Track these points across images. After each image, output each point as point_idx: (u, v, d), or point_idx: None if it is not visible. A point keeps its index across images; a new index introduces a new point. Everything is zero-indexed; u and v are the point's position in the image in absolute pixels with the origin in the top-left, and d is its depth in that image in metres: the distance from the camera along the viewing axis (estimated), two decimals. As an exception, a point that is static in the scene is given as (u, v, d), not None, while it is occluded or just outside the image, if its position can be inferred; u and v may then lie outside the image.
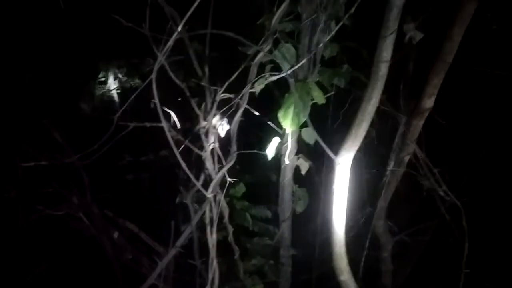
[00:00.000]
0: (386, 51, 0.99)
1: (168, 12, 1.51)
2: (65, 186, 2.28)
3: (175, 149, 1.28)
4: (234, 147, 1.50)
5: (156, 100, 1.26)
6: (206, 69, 1.88)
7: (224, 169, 1.47)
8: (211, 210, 1.47)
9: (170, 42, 1.17)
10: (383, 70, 1.01)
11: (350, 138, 1.13)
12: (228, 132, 1.75)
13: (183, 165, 1.38)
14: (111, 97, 3.84)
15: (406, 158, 1.79)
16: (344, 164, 1.15)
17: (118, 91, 3.80)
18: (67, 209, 2.17)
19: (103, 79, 3.81)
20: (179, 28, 1.10)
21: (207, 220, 1.45)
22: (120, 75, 3.77)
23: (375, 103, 1.07)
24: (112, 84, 3.82)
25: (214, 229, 1.43)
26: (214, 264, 1.39)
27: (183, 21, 1.10)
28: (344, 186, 1.18)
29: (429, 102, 1.50)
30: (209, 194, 1.42)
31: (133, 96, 1.66)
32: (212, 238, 1.41)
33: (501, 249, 2.30)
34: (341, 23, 1.39)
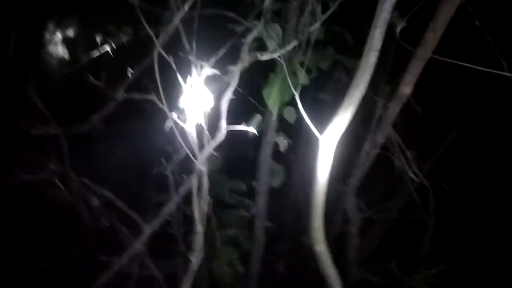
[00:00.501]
0: (377, 41, 1.05)
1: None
2: (42, 152, 2.25)
3: (172, 125, 1.31)
4: (224, 124, 1.54)
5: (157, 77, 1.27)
6: (194, 44, 1.88)
7: (214, 143, 1.51)
8: (198, 182, 1.52)
9: (171, 28, 1.17)
10: (373, 58, 1.08)
11: (336, 120, 1.20)
12: (213, 107, 1.79)
13: (178, 137, 1.41)
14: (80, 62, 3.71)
15: (381, 141, 1.89)
16: (328, 143, 1.23)
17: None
18: (44, 175, 2.15)
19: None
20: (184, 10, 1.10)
21: (194, 191, 1.50)
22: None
23: (363, 88, 1.14)
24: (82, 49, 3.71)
25: (202, 200, 1.48)
26: (200, 235, 1.46)
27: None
28: (327, 164, 1.26)
29: (407, 89, 1.59)
30: (201, 167, 1.46)
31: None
32: (199, 210, 1.47)
33: (466, 229, 2.49)
34: (331, 10, 1.43)
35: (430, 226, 1.75)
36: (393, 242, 2.60)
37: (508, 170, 2.58)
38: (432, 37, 1.38)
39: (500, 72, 1.13)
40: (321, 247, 1.44)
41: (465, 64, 1.21)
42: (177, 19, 1.35)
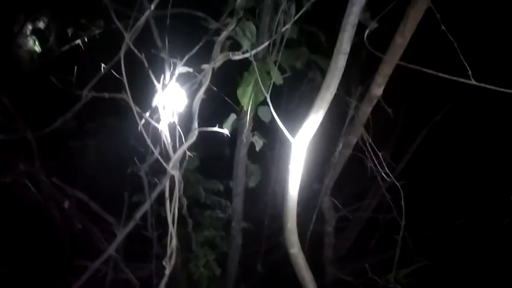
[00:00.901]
0: (346, 44, 1.05)
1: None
2: (10, 152, 2.19)
3: (142, 124, 1.28)
4: (195, 124, 1.52)
5: (124, 80, 1.25)
6: (166, 41, 1.85)
7: (186, 146, 1.49)
8: (170, 185, 1.50)
9: (141, 22, 1.15)
10: (342, 61, 1.08)
11: (308, 123, 1.20)
12: (187, 106, 1.77)
13: (147, 139, 1.39)
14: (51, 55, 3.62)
15: (353, 141, 1.91)
16: (300, 146, 1.22)
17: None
18: (13, 176, 2.09)
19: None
20: (152, 7, 1.08)
21: (166, 195, 1.47)
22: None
23: (333, 92, 1.14)
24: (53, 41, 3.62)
25: (175, 204, 1.46)
26: (173, 239, 1.44)
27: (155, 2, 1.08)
28: (299, 166, 1.26)
29: (378, 91, 1.60)
30: (172, 171, 1.44)
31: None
32: (171, 213, 1.45)
33: (437, 228, 2.54)
34: (304, 9, 1.43)
35: (401, 226, 1.76)
36: (367, 241, 2.63)
37: (478, 167, 2.65)
38: (401, 40, 1.39)
39: (464, 80, 1.15)
40: (295, 249, 1.44)
41: (431, 71, 1.23)
42: (147, 13, 1.32)
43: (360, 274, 2.07)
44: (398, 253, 1.79)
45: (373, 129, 1.77)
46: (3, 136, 1.98)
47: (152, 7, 1.16)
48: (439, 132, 2.54)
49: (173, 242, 1.43)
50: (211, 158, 2.65)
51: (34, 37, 3.68)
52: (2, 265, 2.12)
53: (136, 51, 1.38)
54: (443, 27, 1.14)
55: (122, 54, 1.30)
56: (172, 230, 1.44)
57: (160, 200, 1.94)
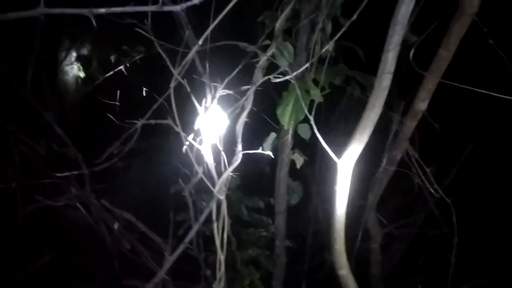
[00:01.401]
0: (389, 64, 1.05)
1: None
2: (62, 176, 2.30)
3: (189, 152, 1.32)
4: (239, 147, 1.55)
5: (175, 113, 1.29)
6: (207, 65, 1.90)
7: (231, 168, 1.52)
8: (217, 207, 1.52)
9: (188, 58, 1.20)
10: (386, 81, 1.07)
11: (354, 143, 1.19)
12: (228, 128, 1.80)
13: (192, 160, 1.42)
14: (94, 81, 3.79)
15: (398, 156, 1.87)
16: (347, 167, 1.22)
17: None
18: (66, 200, 2.19)
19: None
20: (200, 42, 1.12)
21: (214, 218, 1.50)
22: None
23: (378, 111, 1.13)
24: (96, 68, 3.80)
25: (222, 226, 1.48)
26: (222, 262, 1.45)
27: (204, 36, 1.12)
28: (345, 187, 1.25)
29: (422, 105, 1.57)
30: (220, 196, 1.46)
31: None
32: (219, 236, 1.47)
33: (485, 243, 2.43)
34: (344, 28, 1.43)
35: (453, 242, 1.69)
36: (414, 259, 2.54)
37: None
38: (445, 53, 1.36)
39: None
40: (344, 270, 1.42)
41: (476, 89, 1.20)
42: (194, 49, 1.36)
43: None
44: (451, 272, 1.71)
45: (419, 143, 1.73)
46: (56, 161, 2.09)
47: (200, 41, 1.19)
48: (485, 145, 2.44)
49: (222, 265, 1.44)
50: (251, 176, 2.66)
51: (78, 64, 3.88)
52: (56, 285, 2.21)
53: (184, 83, 1.43)
54: (490, 41, 1.11)
55: (172, 88, 1.34)
56: (221, 254, 1.45)
57: (204, 220, 1.97)
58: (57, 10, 0.75)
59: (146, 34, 1.45)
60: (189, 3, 0.85)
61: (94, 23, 0.76)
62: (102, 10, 0.75)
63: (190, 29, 1.64)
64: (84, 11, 0.75)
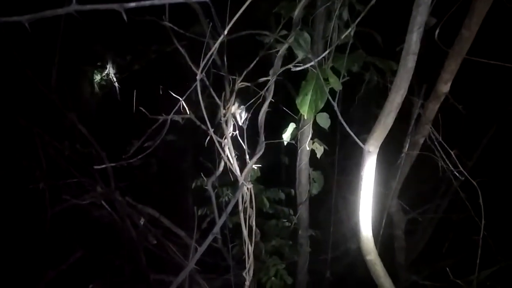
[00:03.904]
0: (414, 44, 1.04)
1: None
2: (86, 175, 2.34)
3: (217, 144, 1.34)
4: (262, 137, 1.56)
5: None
6: (225, 59, 1.91)
7: (255, 158, 1.53)
8: (243, 197, 1.54)
9: (216, 45, 1.20)
10: (411, 62, 1.07)
11: (379, 128, 1.19)
12: (248, 119, 1.81)
13: (223, 154, 1.44)
14: (110, 82, 3.84)
15: (421, 141, 1.85)
16: (373, 152, 1.22)
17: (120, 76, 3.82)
18: (92, 198, 2.23)
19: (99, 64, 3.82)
20: (225, 32, 1.13)
21: (240, 207, 1.51)
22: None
23: (403, 94, 1.12)
24: (111, 70, 3.84)
25: (248, 217, 1.50)
26: (250, 252, 1.47)
27: (228, 27, 1.13)
28: (371, 173, 1.25)
29: (445, 87, 1.56)
30: (248, 184, 1.48)
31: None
32: (246, 226, 1.48)
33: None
34: (362, 15, 1.42)
35: (481, 226, 1.68)
36: (440, 243, 2.53)
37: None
38: (467, 33, 1.35)
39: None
40: (372, 256, 1.42)
41: (499, 63, 1.18)
42: (218, 41, 1.37)
43: (434, 277, 1.99)
44: (479, 254, 1.70)
45: (442, 126, 1.71)
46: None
47: (225, 31, 1.20)
48: (509, 126, 2.39)
49: (250, 255, 1.46)
50: (271, 168, 2.67)
51: (99, 70, 3.91)
52: (88, 281, 2.26)
53: (207, 82, 1.44)
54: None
55: (198, 89, 1.35)
56: (249, 242, 1.47)
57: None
58: (89, 7, 0.77)
59: (171, 28, 1.45)
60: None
61: (125, 17, 0.77)
62: (132, 4, 0.77)
63: (211, 21, 1.64)
64: (114, 6, 0.77)
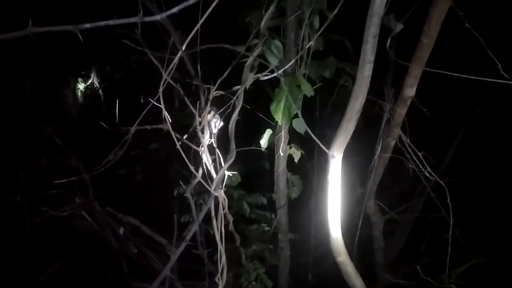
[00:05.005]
0: (369, 54, 1.08)
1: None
2: (65, 186, 2.34)
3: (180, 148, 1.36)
4: (233, 145, 1.59)
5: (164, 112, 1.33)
6: (199, 68, 1.94)
7: (226, 166, 1.56)
8: (215, 205, 1.56)
9: (175, 60, 1.24)
10: (368, 71, 1.10)
11: (341, 133, 1.23)
12: (222, 127, 1.84)
13: (189, 164, 1.46)
14: (93, 92, 3.85)
15: (392, 143, 1.90)
16: (337, 156, 1.25)
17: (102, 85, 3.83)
18: (71, 209, 2.24)
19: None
20: (183, 47, 1.16)
21: (213, 214, 1.54)
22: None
23: (362, 101, 1.16)
24: (95, 79, 3.85)
25: (220, 223, 1.52)
26: (223, 257, 1.50)
27: (186, 41, 1.16)
28: (337, 176, 1.29)
29: (411, 91, 1.61)
30: (216, 192, 1.50)
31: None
32: (219, 231, 1.51)
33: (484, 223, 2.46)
34: (328, 21, 1.46)
35: (450, 225, 1.73)
36: (419, 243, 2.58)
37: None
38: (427, 40, 1.40)
39: (493, 80, 1.14)
40: (342, 257, 1.45)
41: (458, 75, 1.23)
42: (179, 54, 1.40)
43: (413, 276, 2.04)
44: (450, 252, 1.75)
45: (413, 129, 1.76)
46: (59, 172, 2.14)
47: (183, 47, 1.23)
48: (479, 127, 2.47)
49: (223, 259, 1.49)
50: (252, 173, 2.70)
51: (77, 80, 3.91)
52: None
53: (174, 84, 1.46)
54: (467, 25, 1.14)
55: (161, 90, 1.38)
56: (221, 247, 1.50)
57: (207, 219, 2.02)
58: (45, 29, 0.79)
59: (131, 44, 1.48)
60: (168, 12, 0.89)
61: (81, 38, 0.79)
62: (87, 25, 0.79)
63: (177, 34, 1.67)
64: (69, 27, 0.79)
